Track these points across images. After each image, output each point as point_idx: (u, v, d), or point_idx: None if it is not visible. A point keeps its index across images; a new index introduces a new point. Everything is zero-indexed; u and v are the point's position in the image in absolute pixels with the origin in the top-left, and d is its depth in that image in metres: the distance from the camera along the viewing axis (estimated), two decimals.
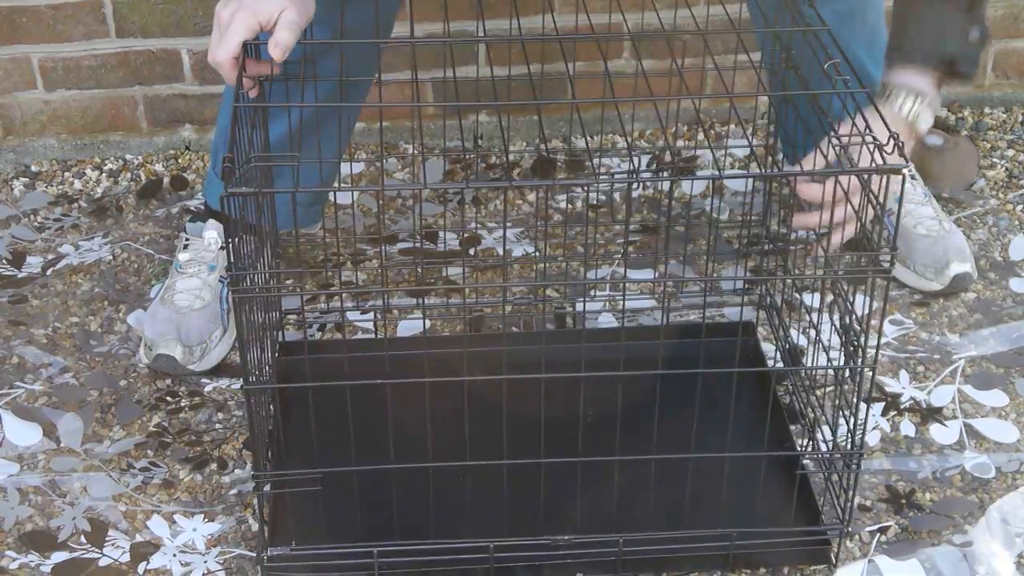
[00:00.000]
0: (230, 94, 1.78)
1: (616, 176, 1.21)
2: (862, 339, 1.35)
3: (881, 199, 1.26)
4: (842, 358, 1.43)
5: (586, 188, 1.77)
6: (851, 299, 1.39)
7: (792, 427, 1.59)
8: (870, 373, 1.36)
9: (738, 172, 2.08)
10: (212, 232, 1.81)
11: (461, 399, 1.35)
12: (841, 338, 1.41)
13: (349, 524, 1.45)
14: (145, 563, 1.47)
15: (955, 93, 2.23)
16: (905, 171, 1.25)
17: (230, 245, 1.26)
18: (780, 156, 1.81)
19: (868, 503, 1.53)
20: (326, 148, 1.68)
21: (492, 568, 1.42)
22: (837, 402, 1.45)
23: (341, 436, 1.43)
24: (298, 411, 1.61)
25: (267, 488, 1.43)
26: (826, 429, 1.53)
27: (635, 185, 2.04)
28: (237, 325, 1.30)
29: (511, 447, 1.39)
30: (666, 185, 2.03)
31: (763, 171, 1.78)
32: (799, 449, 1.54)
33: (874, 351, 1.36)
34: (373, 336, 1.77)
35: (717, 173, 1.26)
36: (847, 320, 1.39)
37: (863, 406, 1.39)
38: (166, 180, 2.11)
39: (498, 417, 1.36)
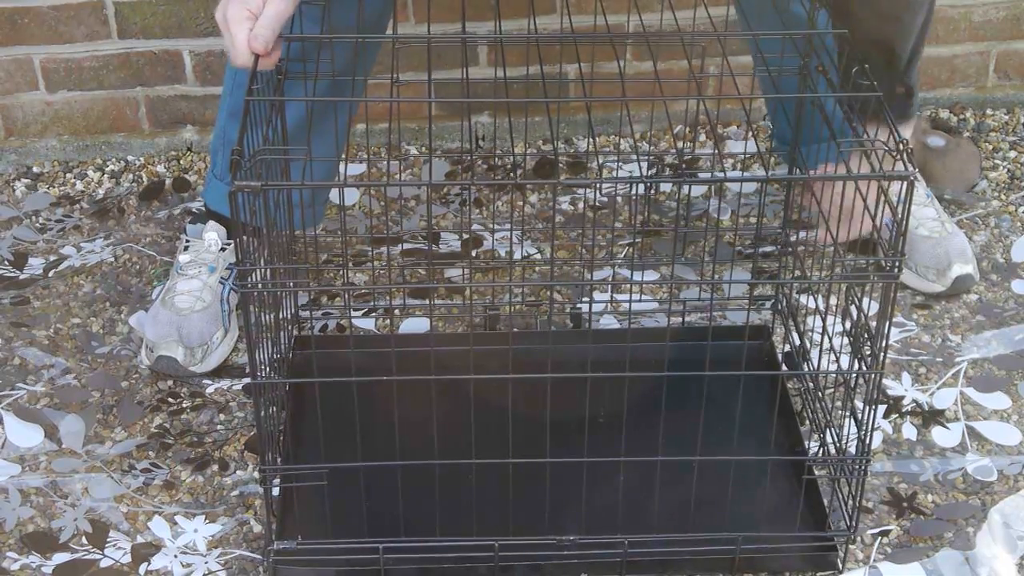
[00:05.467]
0: (227, 97, 1.77)
1: (621, 178, 1.21)
2: (876, 343, 1.34)
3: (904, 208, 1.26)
4: (851, 362, 1.42)
5: (596, 188, 1.77)
6: (862, 304, 1.38)
7: (801, 430, 1.58)
8: (876, 377, 1.36)
9: (753, 176, 2.07)
10: (212, 234, 1.81)
11: (467, 398, 1.35)
12: (852, 343, 1.40)
13: (355, 520, 1.45)
14: (146, 564, 1.47)
15: (957, 94, 2.23)
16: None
17: (236, 241, 1.26)
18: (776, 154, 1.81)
19: (870, 505, 1.52)
20: (325, 148, 1.68)
21: (496, 567, 1.42)
22: (833, 405, 1.44)
23: (347, 432, 1.42)
24: (305, 407, 1.61)
25: (275, 482, 1.43)
26: (833, 434, 1.53)
27: (639, 187, 2.03)
28: (244, 321, 1.30)
29: (517, 446, 1.39)
30: (668, 187, 2.03)
31: (767, 174, 1.78)
32: (808, 454, 1.54)
33: (881, 355, 1.36)
34: (379, 334, 1.77)
35: (723, 175, 1.26)
36: (859, 325, 1.38)
37: (870, 411, 1.39)
38: (168, 181, 2.11)
39: (504, 416, 1.36)
